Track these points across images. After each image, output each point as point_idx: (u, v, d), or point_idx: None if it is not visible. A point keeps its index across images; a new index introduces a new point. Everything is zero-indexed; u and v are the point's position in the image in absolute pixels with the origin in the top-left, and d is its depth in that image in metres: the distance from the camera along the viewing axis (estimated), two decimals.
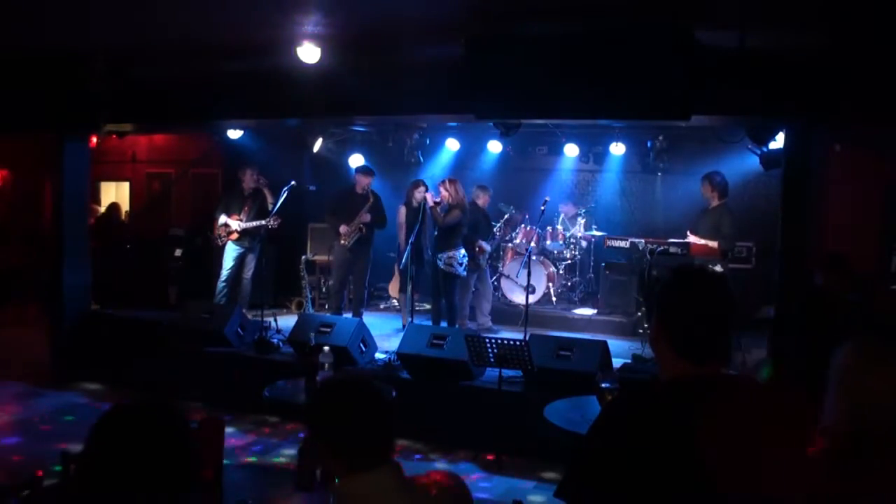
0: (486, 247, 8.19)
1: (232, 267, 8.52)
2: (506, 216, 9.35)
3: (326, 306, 9.43)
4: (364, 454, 1.83)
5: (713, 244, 6.91)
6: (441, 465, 5.48)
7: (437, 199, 7.59)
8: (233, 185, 8.83)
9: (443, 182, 7.76)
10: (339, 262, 8.29)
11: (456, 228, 7.63)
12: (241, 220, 8.44)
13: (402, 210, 8.23)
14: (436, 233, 7.65)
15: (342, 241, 8.12)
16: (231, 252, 8.51)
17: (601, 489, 1.61)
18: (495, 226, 8.93)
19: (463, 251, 7.71)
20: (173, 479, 1.48)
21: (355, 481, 1.83)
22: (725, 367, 1.75)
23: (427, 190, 7.90)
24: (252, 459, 5.46)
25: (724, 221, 7.00)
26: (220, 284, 8.51)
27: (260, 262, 8.69)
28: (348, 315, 8.05)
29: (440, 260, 7.63)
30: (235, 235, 8.48)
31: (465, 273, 7.79)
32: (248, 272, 8.59)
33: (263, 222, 8.24)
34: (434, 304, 8.00)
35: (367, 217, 8.05)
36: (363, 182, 8.18)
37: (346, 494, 1.85)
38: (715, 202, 7.15)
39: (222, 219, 8.50)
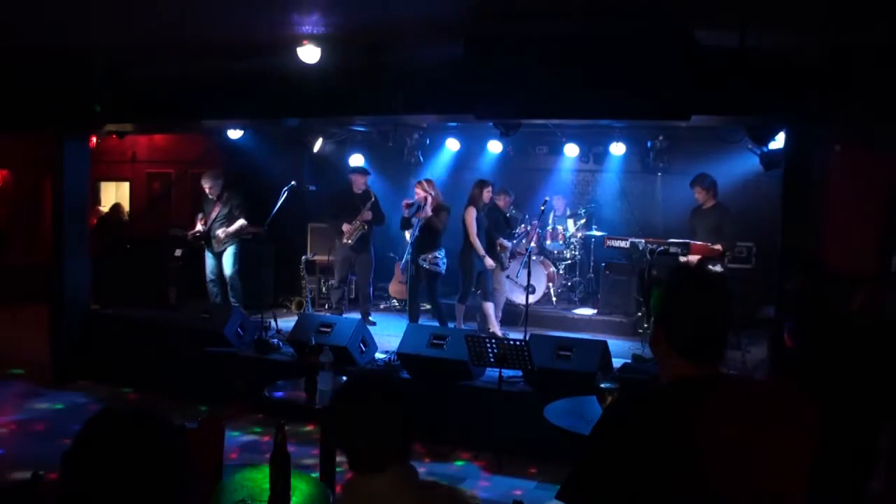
0: (507, 244, 8.20)
1: (212, 267, 8.58)
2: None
3: (326, 306, 9.44)
4: (370, 455, 1.85)
5: (717, 247, 6.96)
6: (441, 466, 5.48)
7: (411, 202, 7.66)
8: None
9: (420, 183, 7.76)
10: (341, 259, 8.46)
11: (440, 230, 7.69)
12: (203, 224, 8.48)
13: (472, 211, 7.70)
14: (416, 234, 7.58)
15: (345, 240, 8.27)
16: (208, 253, 8.59)
17: (604, 491, 1.61)
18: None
19: (443, 251, 7.77)
20: (161, 487, 1.47)
21: (361, 480, 1.85)
22: (722, 366, 1.76)
23: (494, 189, 7.89)
24: (252, 460, 5.45)
25: (725, 221, 7.12)
26: (209, 285, 8.61)
27: (242, 259, 8.63)
28: (351, 315, 8.08)
29: (424, 261, 7.66)
30: (196, 237, 8.56)
31: (444, 271, 7.83)
32: (228, 270, 8.53)
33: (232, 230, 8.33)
34: (412, 303, 7.95)
35: (368, 215, 8.22)
36: (360, 182, 8.37)
37: (352, 492, 1.87)
38: (710, 202, 7.24)
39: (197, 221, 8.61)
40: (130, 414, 1.52)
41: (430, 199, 7.59)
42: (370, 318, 8.49)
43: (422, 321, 7.83)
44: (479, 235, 7.64)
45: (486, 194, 7.74)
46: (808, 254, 3.39)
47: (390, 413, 1.87)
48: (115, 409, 1.53)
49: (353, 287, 9.06)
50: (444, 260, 7.77)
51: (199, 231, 8.47)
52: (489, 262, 7.65)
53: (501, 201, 8.43)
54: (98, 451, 1.45)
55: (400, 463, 1.85)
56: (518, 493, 4.97)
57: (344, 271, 8.50)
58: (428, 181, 7.77)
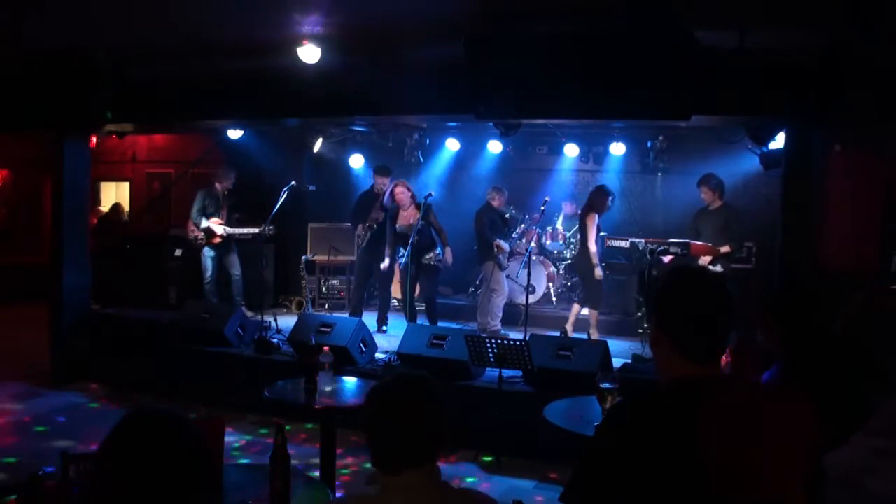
0: (505, 245, 8.19)
1: (212, 270, 8.58)
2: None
3: (327, 306, 9.43)
4: (384, 458, 1.87)
5: (724, 249, 6.95)
6: (441, 466, 5.47)
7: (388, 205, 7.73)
8: (208, 186, 8.80)
9: (402, 183, 7.81)
10: (358, 263, 8.49)
11: (438, 228, 7.81)
12: (222, 224, 8.49)
13: (594, 217, 7.68)
14: (415, 238, 7.57)
15: (359, 243, 8.33)
16: (208, 255, 8.58)
17: (605, 492, 1.61)
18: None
19: (439, 249, 7.84)
20: (189, 487, 1.48)
21: (381, 481, 1.88)
22: (720, 366, 1.76)
23: (612, 198, 7.83)
24: (252, 460, 5.45)
25: (732, 222, 7.11)
26: (206, 287, 8.59)
27: (244, 258, 8.68)
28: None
29: (428, 259, 7.77)
30: (219, 240, 8.52)
31: (442, 266, 7.91)
32: (236, 269, 8.59)
33: (256, 231, 8.24)
34: (410, 304, 7.93)
35: (380, 214, 8.16)
36: (379, 182, 8.35)
37: (380, 489, 1.88)
38: (717, 203, 7.20)
39: (203, 222, 8.53)
40: (161, 415, 1.53)
41: (407, 201, 7.68)
42: (385, 327, 8.25)
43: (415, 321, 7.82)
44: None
45: (609, 202, 7.76)
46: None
47: (416, 417, 1.87)
48: (146, 410, 1.54)
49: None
50: (442, 256, 7.88)
51: (225, 233, 8.52)
52: (598, 272, 7.60)
53: (496, 200, 8.42)
54: (133, 451, 1.47)
55: (423, 463, 1.87)
56: (518, 493, 4.96)
57: (361, 275, 8.44)
58: (403, 182, 7.84)
